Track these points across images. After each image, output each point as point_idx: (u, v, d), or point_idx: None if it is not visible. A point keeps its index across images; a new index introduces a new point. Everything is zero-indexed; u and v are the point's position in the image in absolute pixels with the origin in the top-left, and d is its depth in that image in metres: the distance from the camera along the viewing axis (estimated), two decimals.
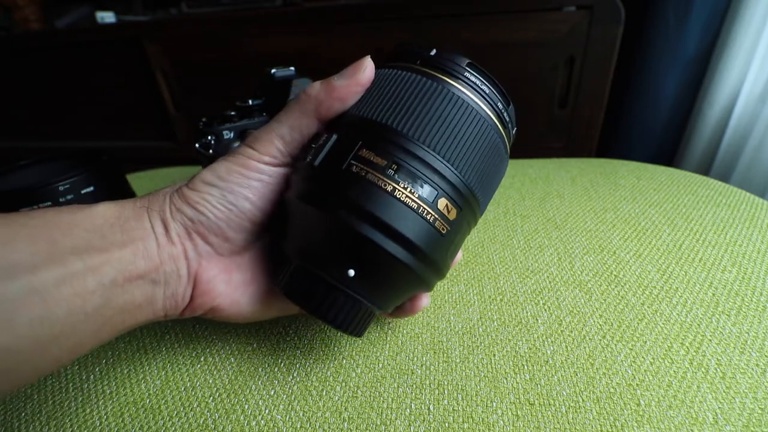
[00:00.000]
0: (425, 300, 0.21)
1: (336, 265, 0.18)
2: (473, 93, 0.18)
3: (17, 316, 0.14)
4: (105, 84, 0.94)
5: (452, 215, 0.18)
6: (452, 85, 0.18)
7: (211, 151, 0.32)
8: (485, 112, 0.19)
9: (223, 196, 0.19)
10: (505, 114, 0.20)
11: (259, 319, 0.22)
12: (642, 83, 0.76)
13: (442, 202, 0.17)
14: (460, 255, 0.22)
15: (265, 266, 0.21)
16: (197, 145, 0.32)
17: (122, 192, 0.36)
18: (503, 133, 0.20)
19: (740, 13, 0.65)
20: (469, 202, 0.18)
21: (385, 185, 0.16)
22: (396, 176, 0.16)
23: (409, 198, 0.16)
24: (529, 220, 0.35)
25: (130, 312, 0.17)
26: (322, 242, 0.18)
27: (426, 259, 0.17)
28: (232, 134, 0.32)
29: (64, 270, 0.15)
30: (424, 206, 0.17)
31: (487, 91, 0.19)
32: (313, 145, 0.19)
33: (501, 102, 0.20)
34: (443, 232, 0.17)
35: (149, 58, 0.86)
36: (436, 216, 0.17)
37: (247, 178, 0.19)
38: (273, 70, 0.33)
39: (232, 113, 0.33)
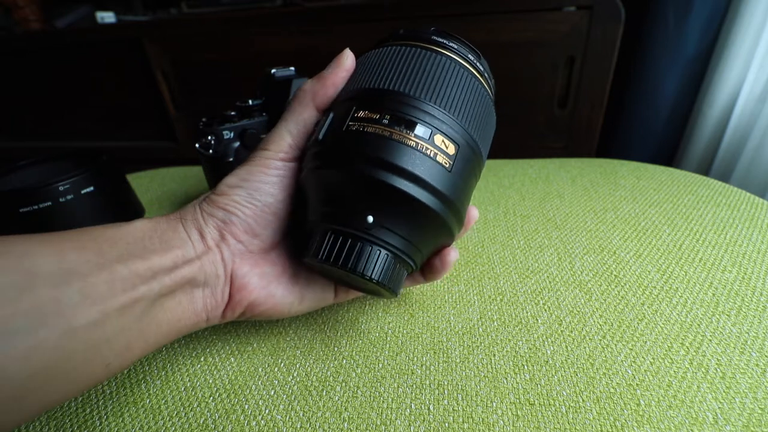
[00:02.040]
0: (453, 254, 0.22)
1: (357, 216, 0.19)
2: (441, 47, 0.21)
3: (76, 319, 0.15)
4: (105, 84, 0.94)
5: (451, 150, 0.19)
6: (421, 45, 0.20)
7: (211, 151, 0.32)
8: (456, 60, 0.20)
9: (249, 194, 0.20)
10: (478, 64, 0.22)
11: (296, 312, 0.23)
12: (642, 83, 0.76)
13: (438, 138, 0.18)
14: (476, 213, 0.23)
15: (293, 260, 0.23)
16: (197, 145, 0.32)
17: (122, 192, 0.36)
18: (481, 80, 0.21)
19: (740, 13, 0.66)
20: (465, 140, 0.19)
21: (382, 131, 0.18)
22: (391, 123, 0.18)
23: (406, 137, 0.18)
24: (529, 220, 0.35)
25: (172, 311, 0.18)
26: (338, 197, 0.19)
27: (437, 193, 0.18)
28: (232, 134, 0.32)
29: (112, 276, 0.16)
30: (422, 143, 0.18)
31: (455, 46, 0.21)
32: (316, 128, 0.21)
33: (471, 54, 0.21)
34: (446, 166, 0.18)
35: (149, 58, 0.86)
36: (436, 151, 0.18)
37: (267, 175, 0.21)
38: (273, 70, 0.33)
39: (232, 113, 0.33)
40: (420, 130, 0.18)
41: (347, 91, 0.21)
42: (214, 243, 0.20)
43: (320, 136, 0.19)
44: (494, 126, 0.23)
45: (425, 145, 0.18)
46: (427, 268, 0.23)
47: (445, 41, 0.21)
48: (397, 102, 0.18)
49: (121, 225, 0.19)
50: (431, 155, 0.18)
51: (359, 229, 0.19)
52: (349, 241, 0.19)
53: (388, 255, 0.19)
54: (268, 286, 0.21)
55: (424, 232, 0.20)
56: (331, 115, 0.20)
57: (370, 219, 0.18)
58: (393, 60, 0.20)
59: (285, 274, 0.22)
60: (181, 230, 0.20)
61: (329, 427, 0.19)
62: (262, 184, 0.21)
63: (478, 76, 0.21)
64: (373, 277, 0.19)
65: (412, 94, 0.19)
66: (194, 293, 0.19)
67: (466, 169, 0.19)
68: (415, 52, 0.20)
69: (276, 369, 0.22)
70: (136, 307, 0.17)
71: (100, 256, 0.16)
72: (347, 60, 0.22)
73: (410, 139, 0.18)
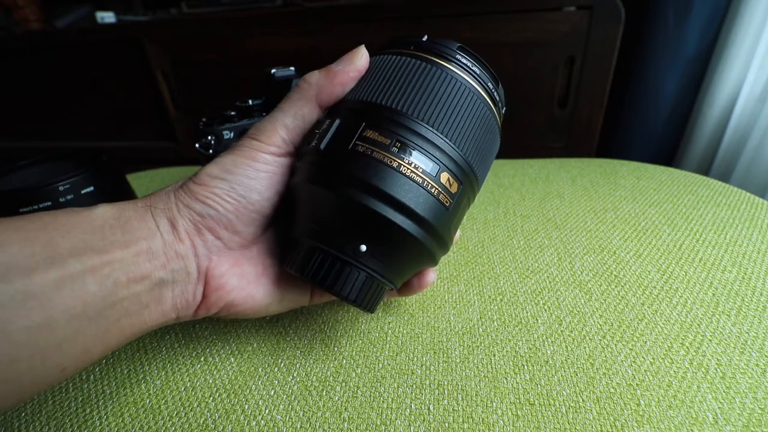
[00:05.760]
0: (432, 275, 0.22)
1: (348, 242, 0.18)
2: (465, 73, 0.19)
3: (13, 322, 0.13)
4: (105, 84, 0.94)
5: (454, 188, 0.18)
6: (445, 66, 0.19)
7: (211, 151, 0.32)
8: (477, 90, 0.19)
9: (232, 188, 0.19)
10: (495, 93, 0.21)
11: (273, 312, 0.22)
12: (642, 83, 0.76)
13: (445, 176, 0.18)
14: (458, 233, 0.23)
15: (274, 258, 0.21)
16: (197, 145, 0.32)
17: (122, 192, 0.36)
18: (494, 111, 0.21)
19: (740, 13, 0.65)
20: (468, 176, 0.19)
21: (390, 162, 0.17)
22: (400, 153, 0.17)
23: (414, 173, 0.17)
24: (529, 220, 0.35)
25: (137, 314, 0.17)
26: (334, 220, 0.18)
27: (432, 231, 0.18)
28: (232, 134, 0.32)
29: (62, 272, 0.14)
30: (429, 180, 0.17)
31: (478, 72, 0.20)
32: (317, 131, 0.19)
33: (491, 82, 0.20)
34: (447, 205, 0.18)
35: (149, 58, 0.86)
36: (440, 189, 0.18)
37: (255, 170, 0.19)
38: (273, 70, 0.33)
39: (232, 113, 0.33)
40: (429, 165, 0.17)
41: (357, 96, 0.19)
42: (187, 236, 0.18)
43: (322, 146, 0.18)
44: (495, 154, 0.22)
45: (431, 182, 0.17)
46: (404, 286, 0.23)
47: (469, 64, 0.20)
48: (409, 129, 0.17)
49: (79, 211, 0.16)
50: (434, 193, 0.18)
51: (348, 255, 0.18)
52: (337, 264, 0.18)
53: (372, 280, 0.19)
54: (248, 287, 0.20)
55: (411, 261, 0.20)
56: (338, 122, 0.19)
57: (364, 248, 0.18)
58: (413, 76, 0.18)
59: (265, 275, 0.21)
60: (149, 219, 0.17)
61: (329, 427, 0.19)
62: (248, 179, 0.19)
63: (492, 107, 0.20)
64: (355, 300, 0.19)
65: (427, 122, 0.18)
66: (162, 293, 0.17)
67: (461, 204, 0.20)
68: (438, 74, 0.19)
69: (276, 369, 0.22)
70: (89, 309, 0.15)
71: (50, 248, 0.14)
72: (361, 59, 0.19)
73: (417, 175, 0.17)
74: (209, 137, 0.31)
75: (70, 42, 0.90)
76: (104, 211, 0.17)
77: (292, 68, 0.34)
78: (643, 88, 0.77)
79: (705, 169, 0.78)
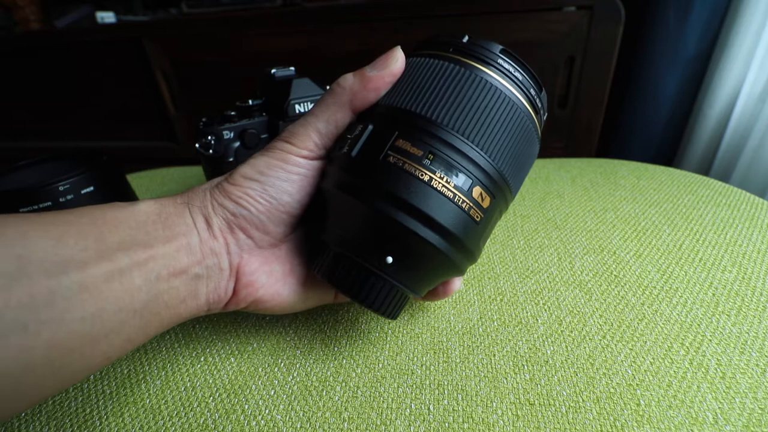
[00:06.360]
0: (457, 283, 0.22)
1: (374, 253, 0.18)
2: (506, 80, 0.18)
3: (70, 312, 0.14)
4: (105, 84, 0.94)
5: (486, 203, 0.18)
6: (485, 72, 0.18)
7: (211, 151, 0.32)
8: (518, 99, 0.19)
9: (264, 190, 0.19)
10: (537, 100, 0.20)
11: (297, 309, 0.22)
12: (642, 83, 0.76)
13: (477, 191, 0.18)
14: None
15: (302, 257, 0.22)
16: (197, 145, 0.32)
17: (122, 192, 0.36)
18: (535, 120, 0.20)
19: (740, 13, 0.65)
20: (501, 189, 0.19)
21: (422, 175, 0.17)
22: (432, 166, 0.17)
23: (446, 187, 0.17)
24: (529, 220, 0.35)
25: (174, 307, 0.17)
26: (361, 231, 0.18)
27: (461, 246, 0.18)
28: (232, 134, 0.32)
29: (112, 266, 0.15)
30: (460, 195, 0.17)
31: (521, 78, 0.19)
32: (349, 136, 0.19)
33: (534, 88, 0.20)
34: (477, 219, 0.18)
35: (149, 58, 0.86)
36: (471, 204, 0.17)
37: (286, 172, 0.19)
38: (273, 70, 0.33)
39: (232, 113, 0.33)
40: (461, 179, 0.17)
41: (390, 101, 0.19)
42: (221, 234, 0.19)
43: (354, 153, 0.18)
44: (532, 163, 0.21)
45: (462, 197, 0.17)
46: (429, 292, 0.22)
47: (511, 70, 0.19)
48: (443, 141, 0.17)
49: (125, 206, 0.17)
50: (465, 208, 0.17)
51: (374, 266, 0.18)
52: (363, 274, 0.18)
53: (397, 290, 0.19)
54: (276, 284, 0.21)
55: (438, 274, 0.20)
56: (370, 129, 0.18)
57: (390, 260, 0.18)
58: (450, 83, 0.18)
59: (293, 274, 0.21)
60: (187, 215, 0.18)
61: (329, 427, 0.19)
62: (280, 181, 0.19)
63: (533, 115, 0.19)
64: (379, 309, 0.19)
65: (462, 134, 0.17)
66: (198, 287, 0.18)
67: (493, 217, 0.19)
68: (477, 81, 0.18)
69: (276, 369, 0.22)
70: (135, 301, 0.16)
71: (100, 242, 0.15)
72: (396, 63, 0.19)
73: (449, 189, 0.17)
74: (209, 137, 0.31)
75: (70, 42, 0.90)
76: (147, 207, 0.18)
77: (292, 68, 0.34)
78: (643, 88, 0.77)
79: (705, 169, 0.78)
